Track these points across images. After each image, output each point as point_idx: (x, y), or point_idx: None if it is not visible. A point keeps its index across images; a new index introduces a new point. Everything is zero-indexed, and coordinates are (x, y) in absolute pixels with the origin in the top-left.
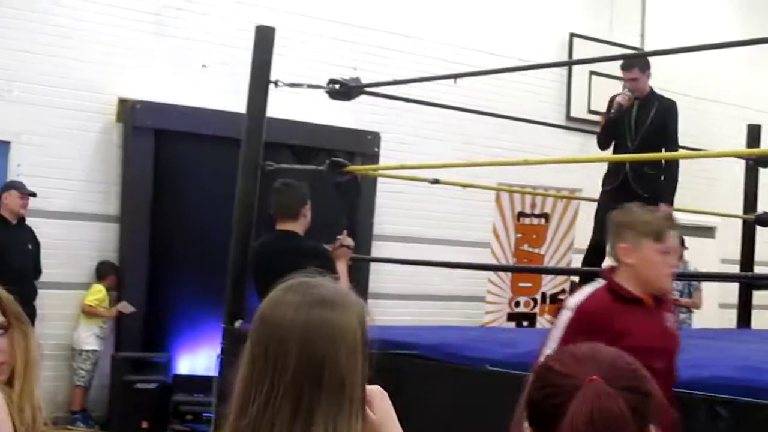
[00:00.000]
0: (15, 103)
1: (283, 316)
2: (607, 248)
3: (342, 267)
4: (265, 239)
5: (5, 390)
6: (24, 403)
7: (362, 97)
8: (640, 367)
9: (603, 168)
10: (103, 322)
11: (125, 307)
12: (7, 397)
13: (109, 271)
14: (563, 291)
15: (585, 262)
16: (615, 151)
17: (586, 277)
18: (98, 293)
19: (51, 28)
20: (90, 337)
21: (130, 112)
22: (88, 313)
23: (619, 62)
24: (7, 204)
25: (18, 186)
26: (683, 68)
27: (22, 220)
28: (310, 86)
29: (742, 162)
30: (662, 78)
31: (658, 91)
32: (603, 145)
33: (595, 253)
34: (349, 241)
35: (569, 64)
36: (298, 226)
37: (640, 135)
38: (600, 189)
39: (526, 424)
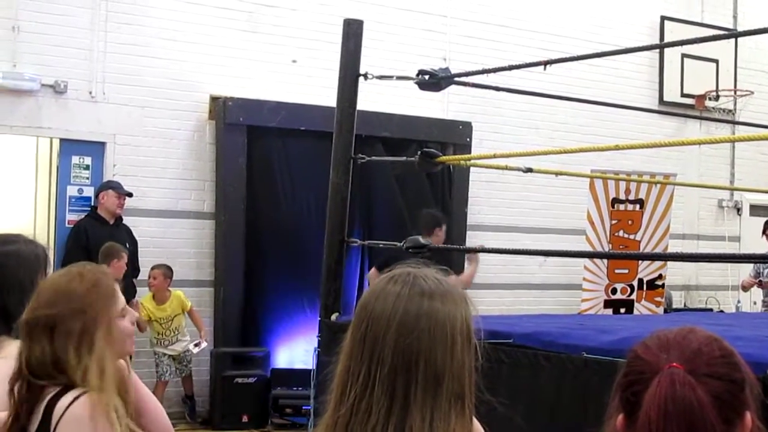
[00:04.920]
0: (109, 105)
1: (383, 307)
2: None
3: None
4: None
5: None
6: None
7: (453, 88)
8: (732, 353)
9: (697, 152)
10: (160, 334)
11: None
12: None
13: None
14: (660, 276)
15: None
16: None
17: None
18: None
19: (144, 29)
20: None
21: (222, 109)
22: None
23: (711, 44)
24: (105, 204)
25: (114, 186)
26: None
27: (119, 219)
28: (399, 78)
29: None
30: (753, 59)
31: (746, 71)
32: None
33: None
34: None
35: (660, 47)
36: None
37: None
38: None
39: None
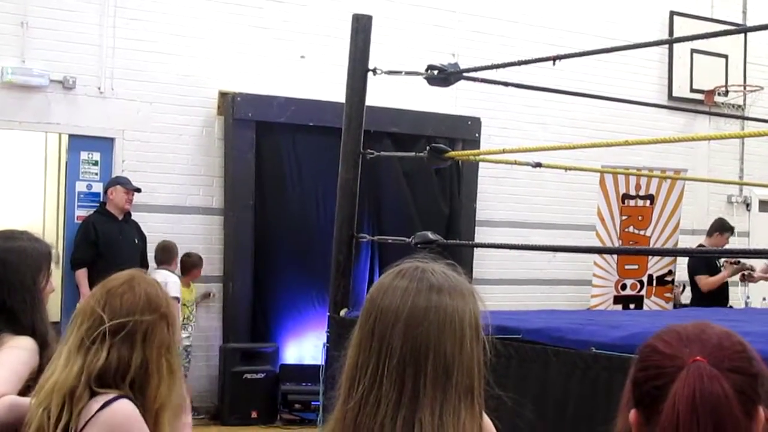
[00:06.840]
0: (118, 100)
1: (391, 300)
2: None
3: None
4: None
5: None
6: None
7: (462, 83)
8: (748, 348)
9: (706, 147)
10: (186, 318)
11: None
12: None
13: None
14: (670, 272)
15: None
16: None
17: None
18: None
19: (152, 25)
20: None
21: (231, 105)
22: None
23: (721, 39)
24: (113, 200)
25: (123, 182)
26: None
27: (128, 215)
28: (408, 73)
29: None
30: (762, 55)
31: (756, 66)
32: None
33: None
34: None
35: (669, 42)
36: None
37: None
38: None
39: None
